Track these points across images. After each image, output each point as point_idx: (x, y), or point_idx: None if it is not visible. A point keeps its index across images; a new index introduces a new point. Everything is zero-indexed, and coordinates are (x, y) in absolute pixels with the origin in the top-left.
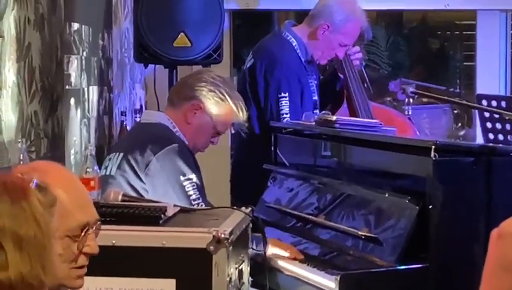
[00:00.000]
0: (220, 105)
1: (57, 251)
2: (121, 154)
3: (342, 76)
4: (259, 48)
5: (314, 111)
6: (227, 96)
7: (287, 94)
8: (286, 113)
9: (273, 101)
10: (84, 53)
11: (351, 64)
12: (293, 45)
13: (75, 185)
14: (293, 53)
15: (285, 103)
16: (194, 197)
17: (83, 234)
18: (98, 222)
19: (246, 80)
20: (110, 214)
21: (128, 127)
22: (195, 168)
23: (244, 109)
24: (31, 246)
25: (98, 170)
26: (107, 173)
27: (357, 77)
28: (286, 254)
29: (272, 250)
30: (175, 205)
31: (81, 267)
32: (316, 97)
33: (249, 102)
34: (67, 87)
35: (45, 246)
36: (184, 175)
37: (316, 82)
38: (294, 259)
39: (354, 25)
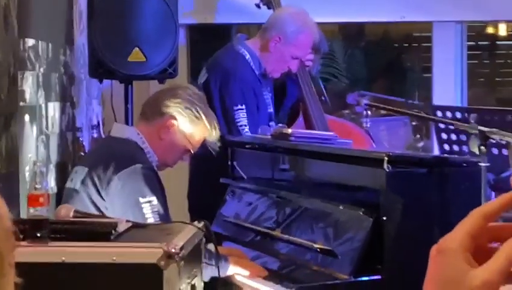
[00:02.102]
0: (195, 123)
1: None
2: (86, 169)
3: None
4: (212, 63)
5: (270, 123)
6: (202, 115)
7: (243, 106)
8: (245, 125)
9: (229, 114)
10: (42, 69)
11: (305, 76)
12: (246, 58)
13: None
14: (246, 66)
15: (243, 115)
16: (151, 220)
17: None
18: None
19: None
20: (60, 230)
21: (84, 143)
22: (159, 191)
23: (217, 127)
24: None
25: (48, 186)
26: (72, 186)
27: (312, 89)
28: (246, 273)
29: (232, 270)
30: (127, 221)
31: None
32: (271, 110)
33: None
34: (21, 103)
35: None
36: (144, 197)
37: (270, 94)
38: (258, 277)
39: (306, 36)
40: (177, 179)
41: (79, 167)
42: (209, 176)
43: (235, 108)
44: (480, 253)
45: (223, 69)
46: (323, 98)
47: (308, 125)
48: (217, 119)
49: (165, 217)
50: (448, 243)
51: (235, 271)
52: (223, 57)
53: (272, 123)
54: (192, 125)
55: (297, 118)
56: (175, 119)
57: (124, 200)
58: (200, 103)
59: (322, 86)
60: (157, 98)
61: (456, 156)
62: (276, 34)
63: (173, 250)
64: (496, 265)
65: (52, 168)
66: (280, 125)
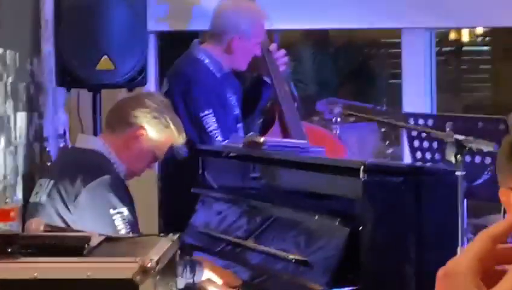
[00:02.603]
0: (164, 132)
1: None
2: (52, 181)
3: (268, 81)
4: (172, 72)
5: (238, 125)
6: (170, 123)
7: (210, 110)
8: (215, 130)
9: (198, 121)
10: (10, 79)
11: (281, 82)
12: (205, 62)
13: None
14: (206, 71)
15: (211, 119)
16: (123, 231)
17: None
18: None
19: None
20: (31, 245)
21: (51, 153)
22: (128, 201)
23: (183, 132)
24: None
25: (18, 200)
26: (37, 200)
27: (288, 95)
28: (220, 280)
29: (206, 275)
30: (100, 234)
31: None
32: (237, 112)
33: None
34: None
35: None
36: (114, 208)
37: (236, 96)
38: (231, 286)
39: (259, 23)
40: (147, 190)
41: (43, 180)
42: (180, 185)
43: (202, 114)
44: (488, 276)
45: (183, 77)
46: (296, 104)
47: (284, 132)
48: (185, 128)
49: (136, 227)
50: (457, 266)
51: (209, 276)
52: (182, 65)
53: (240, 125)
54: (161, 134)
55: (273, 125)
56: (144, 129)
57: (94, 213)
58: (167, 110)
59: (295, 93)
60: (123, 108)
61: (432, 164)
62: (233, 35)
63: (149, 265)
64: (505, 288)
65: (19, 180)
66: (252, 133)
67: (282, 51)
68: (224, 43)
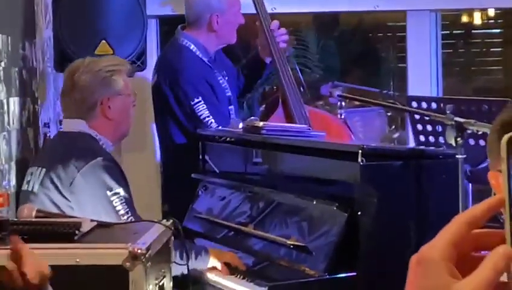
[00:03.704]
0: (117, 78)
1: None
2: (43, 170)
3: (268, 60)
4: (160, 62)
5: (229, 107)
6: (110, 66)
7: (200, 98)
8: (207, 116)
9: (189, 109)
10: (2, 63)
11: (284, 66)
12: (191, 48)
13: None
14: (193, 57)
15: (202, 107)
16: (122, 211)
17: None
18: None
19: (155, 97)
20: (22, 231)
21: None
22: (122, 181)
23: (119, 57)
24: None
25: (8, 186)
26: (29, 189)
27: (291, 79)
28: (224, 270)
29: (212, 262)
30: (92, 220)
31: None
32: (229, 93)
33: (165, 117)
34: None
35: None
36: (111, 190)
37: (226, 78)
38: (233, 267)
39: None
40: (149, 175)
41: (34, 168)
42: (182, 171)
43: (192, 103)
44: (463, 263)
45: (169, 67)
46: (301, 88)
47: (288, 116)
48: (179, 118)
49: (132, 207)
50: (429, 252)
51: (214, 264)
52: (168, 54)
53: (232, 107)
54: (117, 83)
55: (277, 109)
56: (106, 96)
57: (91, 196)
58: (102, 63)
59: (301, 77)
60: (75, 98)
61: (432, 148)
62: (211, 14)
63: (139, 251)
64: (482, 276)
65: (13, 165)
66: (252, 118)
67: (284, 30)
68: (205, 25)
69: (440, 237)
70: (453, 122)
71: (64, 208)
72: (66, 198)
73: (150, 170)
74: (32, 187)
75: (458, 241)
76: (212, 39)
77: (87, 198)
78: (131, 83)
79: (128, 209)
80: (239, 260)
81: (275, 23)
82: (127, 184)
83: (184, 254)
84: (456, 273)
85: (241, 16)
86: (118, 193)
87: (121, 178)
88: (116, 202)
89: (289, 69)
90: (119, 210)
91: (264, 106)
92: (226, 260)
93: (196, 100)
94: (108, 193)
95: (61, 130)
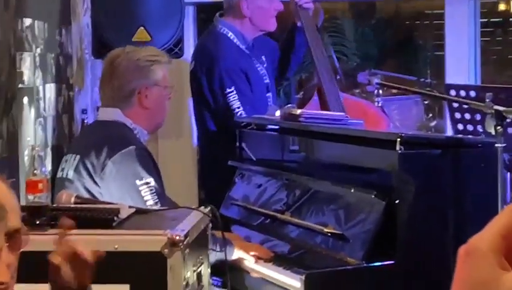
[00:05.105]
0: (156, 69)
1: None
2: (78, 156)
3: (299, 24)
4: (197, 49)
5: (267, 94)
6: (154, 57)
7: (232, 88)
8: (238, 107)
9: (220, 98)
10: (39, 50)
11: (320, 54)
12: (229, 36)
13: None
14: (230, 45)
15: (233, 97)
16: (151, 202)
17: None
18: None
19: (192, 83)
20: (60, 217)
21: None
22: (154, 171)
23: (159, 50)
24: None
25: (47, 172)
26: (64, 176)
27: (327, 67)
28: (252, 259)
29: (237, 254)
30: (130, 207)
31: None
32: (267, 80)
33: (200, 104)
34: (20, 85)
35: None
36: (141, 179)
37: (265, 65)
38: (261, 258)
39: None
40: (186, 162)
41: (69, 156)
42: (219, 158)
43: (225, 92)
44: None
45: (206, 55)
46: (338, 76)
47: (323, 104)
48: (211, 107)
49: (163, 197)
50: (478, 243)
51: (240, 255)
52: (206, 42)
53: (269, 94)
54: (156, 73)
55: (312, 98)
56: (143, 85)
57: (120, 184)
58: (143, 53)
59: (337, 64)
60: (114, 86)
61: (470, 136)
62: (242, 0)
63: (177, 237)
64: None
65: (49, 151)
66: (289, 105)
67: None
68: (236, 11)
69: (489, 228)
70: (493, 111)
71: (96, 195)
72: (97, 184)
73: (186, 157)
74: (67, 174)
75: (508, 232)
76: (247, 26)
77: (116, 185)
78: (170, 70)
79: (157, 200)
80: (266, 250)
81: None
82: (159, 174)
83: (217, 245)
84: (505, 265)
85: (278, 1)
86: (148, 183)
87: (152, 168)
88: (145, 192)
89: (326, 56)
90: (147, 200)
91: (301, 93)
92: (252, 251)
93: (229, 90)
94: (138, 182)
95: (97, 118)
